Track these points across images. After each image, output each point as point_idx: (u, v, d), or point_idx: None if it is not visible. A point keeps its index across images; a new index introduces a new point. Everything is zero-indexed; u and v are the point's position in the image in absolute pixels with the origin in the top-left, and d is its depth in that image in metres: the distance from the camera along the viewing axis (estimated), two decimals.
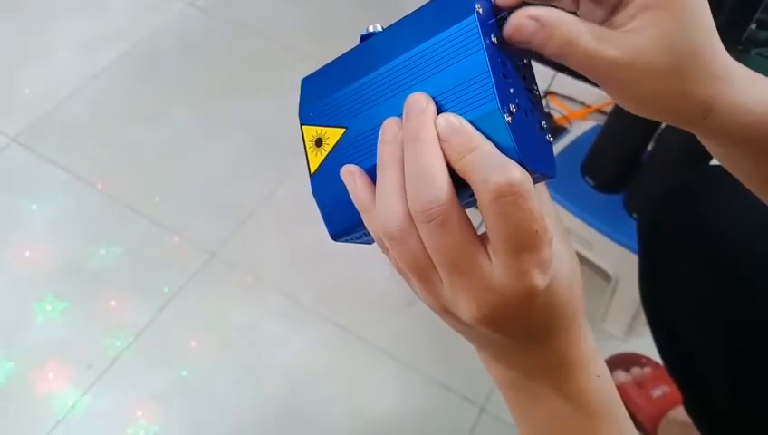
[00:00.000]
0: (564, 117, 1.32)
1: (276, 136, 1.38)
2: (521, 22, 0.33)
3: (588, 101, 1.39)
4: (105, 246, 1.21)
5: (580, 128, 1.22)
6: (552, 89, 1.35)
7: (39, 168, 1.30)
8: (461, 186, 0.31)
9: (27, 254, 1.19)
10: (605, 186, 1.09)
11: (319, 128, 0.37)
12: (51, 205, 1.26)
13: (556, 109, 1.33)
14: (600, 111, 1.38)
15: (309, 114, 0.38)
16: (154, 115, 1.41)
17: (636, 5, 0.33)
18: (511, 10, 0.33)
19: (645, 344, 1.10)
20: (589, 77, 0.34)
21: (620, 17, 0.34)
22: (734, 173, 0.43)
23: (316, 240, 1.22)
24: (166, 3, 1.62)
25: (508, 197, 0.30)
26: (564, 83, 1.34)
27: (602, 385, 0.38)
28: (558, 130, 1.23)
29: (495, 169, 0.30)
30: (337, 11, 1.62)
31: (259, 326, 1.13)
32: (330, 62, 0.38)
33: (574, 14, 0.35)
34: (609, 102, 1.35)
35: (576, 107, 1.39)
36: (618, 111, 1.08)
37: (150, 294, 1.15)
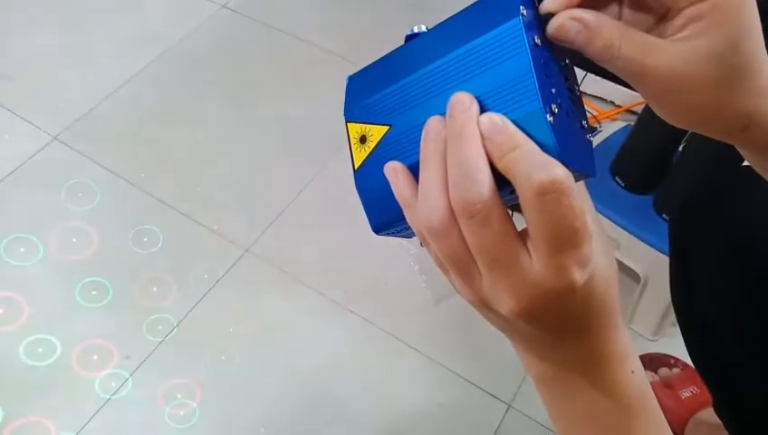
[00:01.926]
0: (594, 117, 1.31)
1: (307, 135, 1.40)
2: (564, 22, 0.33)
3: (618, 101, 1.39)
4: (141, 241, 1.24)
5: (610, 128, 1.22)
6: (582, 89, 1.35)
7: (79, 165, 1.34)
8: (501, 183, 0.32)
9: (69, 246, 1.22)
10: (635, 186, 1.09)
11: (363, 125, 0.38)
12: (91, 200, 1.29)
13: (586, 109, 1.33)
14: (630, 112, 1.38)
15: (354, 112, 0.39)
16: (189, 114, 1.43)
17: (686, 15, 0.33)
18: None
19: (672, 345, 1.10)
20: (629, 83, 0.35)
21: (669, 27, 0.34)
22: None
23: (345, 237, 1.24)
24: (201, 4, 1.65)
25: (550, 194, 0.30)
26: (594, 83, 1.34)
27: (637, 381, 0.39)
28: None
29: (538, 166, 0.31)
30: (369, 13, 1.64)
31: (290, 321, 1.15)
32: (374, 62, 0.39)
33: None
34: (639, 102, 1.35)
35: (606, 107, 1.39)
36: (648, 111, 1.07)
37: (186, 289, 1.18)
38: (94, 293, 1.17)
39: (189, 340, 1.12)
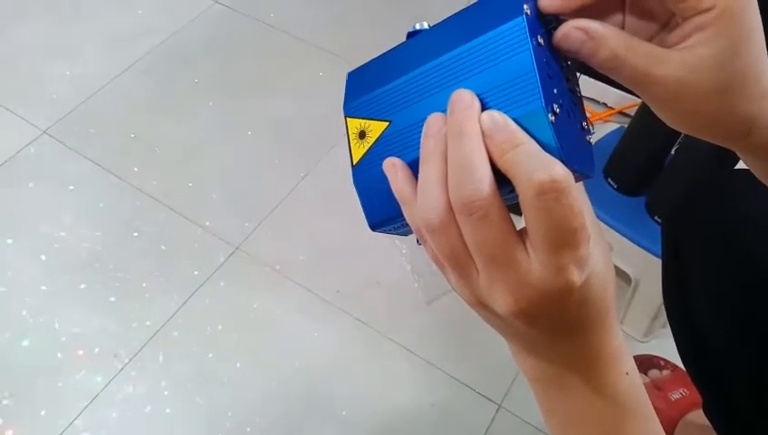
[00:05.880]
0: (587, 119, 1.32)
1: (299, 132, 1.39)
2: (569, 32, 0.33)
3: (611, 103, 1.39)
4: (131, 236, 1.23)
5: (603, 130, 1.22)
6: None
7: (68, 159, 1.33)
8: (501, 181, 0.32)
9: (57, 242, 1.21)
10: (627, 188, 1.09)
11: (363, 121, 0.38)
12: (80, 196, 1.28)
13: None
14: (622, 114, 1.38)
15: (353, 107, 0.39)
16: (180, 110, 1.42)
17: (692, 24, 0.33)
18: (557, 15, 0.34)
19: (663, 346, 1.10)
20: (635, 91, 0.35)
21: (673, 35, 0.34)
22: None
23: (337, 235, 1.24)
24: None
25: (550, 193, 0.30)
26: (587, 85, 1.34)
27: (631, 383, 0.39)
28: None
29: (538, 165, 0.30)
30: (362, 10, 1.63)
31: (280, 319, 1.14)
32: (376, 57, 0.39)
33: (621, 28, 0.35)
34: (632, 105, 1.35)
35: (599, 109, 1.40)
36: (641, 113, 1.08)
37: (174, 286, 1.17)
38: (82, 289, 1.16)
39: (178, 338, 1.11)
